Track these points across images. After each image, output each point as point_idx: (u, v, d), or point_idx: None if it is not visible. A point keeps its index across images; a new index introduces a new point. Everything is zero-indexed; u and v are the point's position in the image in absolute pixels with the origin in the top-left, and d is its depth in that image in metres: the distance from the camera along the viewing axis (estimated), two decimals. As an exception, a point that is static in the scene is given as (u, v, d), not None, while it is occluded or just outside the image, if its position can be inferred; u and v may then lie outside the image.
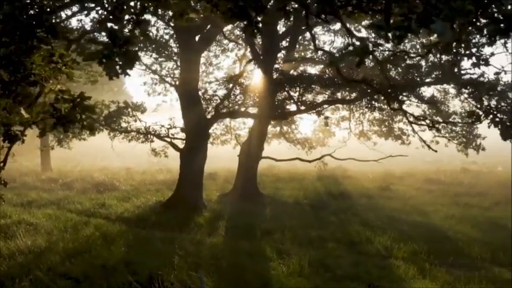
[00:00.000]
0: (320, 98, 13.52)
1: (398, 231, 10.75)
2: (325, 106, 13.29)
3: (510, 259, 8.74)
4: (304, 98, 12.35)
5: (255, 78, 17.30)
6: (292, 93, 12.23)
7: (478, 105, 5.75)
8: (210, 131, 21.38)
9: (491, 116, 5.36)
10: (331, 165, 21.81)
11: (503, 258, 8.82)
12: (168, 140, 13.99)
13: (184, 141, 13.90)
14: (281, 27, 16.33)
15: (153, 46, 14.13)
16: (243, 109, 15.98)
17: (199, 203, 13.57)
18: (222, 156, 25.83)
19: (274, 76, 14.08)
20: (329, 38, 25.82)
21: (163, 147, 15.66)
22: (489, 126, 5.65)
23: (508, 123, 5.25)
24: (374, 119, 19.39)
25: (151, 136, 14.39)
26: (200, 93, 16.07)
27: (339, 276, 7.52)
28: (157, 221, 11.91)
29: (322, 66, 14.85)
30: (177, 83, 14.28)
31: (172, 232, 10.58)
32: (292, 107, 13.44)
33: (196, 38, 13.33)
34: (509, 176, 20.31)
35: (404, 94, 11.23)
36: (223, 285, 6.82)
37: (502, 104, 6.27)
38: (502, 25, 2.74)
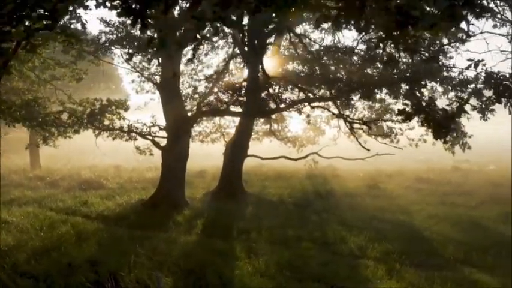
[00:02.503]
0: (302, 96, 13.41)
1: (376, 231, 10.66)
2: (306, 104, 13.22)
3: (483, 260, 8.64)
4: (284, 96, 12.27)
5: (242, 75, 17.24)
6: (271, 91, 12.15)
7: (410, 103, 5.62)
8: (200, 129, 21.48)
9: (423, 114, 5.24)
10: (322, 164, 21.72)
11: (476, 259, 8.72)
12: (150, 138, 13.90)
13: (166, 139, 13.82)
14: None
15: (136, 44, 14.01)
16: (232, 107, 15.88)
17: (181, 201, 13.52)
18: (215, 154, 25.79)
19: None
20: (319, 36, 25.67)
21: (148, 145, 15.57)
22: (422, 125, 5.54)
23: (441, 122, 5.13)
24: (364, 118, 19.23)
25: (135, 134, 14.31)
26: (185, 91, 16.02)
27: (305, 276, 7.44)
28: (136, 220, 11.86)
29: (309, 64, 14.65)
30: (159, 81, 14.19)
31: (150, 231, 10.52)
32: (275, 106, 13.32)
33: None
34: (500, 175, 20.20)
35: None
36: (182, 285, 6.75)
37: (434, 102, 6.18)
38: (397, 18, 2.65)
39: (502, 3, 13.81)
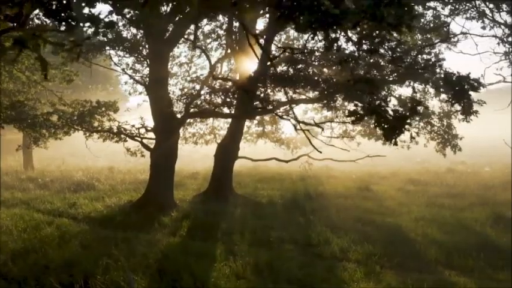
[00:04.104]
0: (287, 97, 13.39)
1: (361, 233, 10.60)
2: (293, 105, 13.19)
3: (464, 262, 8.58)
4: (270, 98, 12.24)
5: (234, 77, 17.24)
6: (258, 93, 12.13)
7: (360, 104, 5.58)
8: (194, 130, 21.50)
9: (375, 115, 5.19)
10: (318, 165, 21.72)
11: (458, 261, 8.65)
12: (139, 139, 13.89)
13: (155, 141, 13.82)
14: (260, 26, 16.25)
15: (125, 45, 14.03)
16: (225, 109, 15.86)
17: (169, 202, 13.49)
18: (211, 156, 25.78)
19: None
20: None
21: (138, 147, 15.55)
22: (375, 127, 5.49)
23: (392, 124, 5.08)
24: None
25: (124, 136, 14.29)
26: (177, 92, 15.96)
27: (281, 278, 7.40)
28: (122, 221, 11.83)
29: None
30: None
31: (134, 232, 10.51)
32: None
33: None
34: (493, 177, 20.11)
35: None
36: (155, 287, 6.74)
37: (386, 103, 6.09)
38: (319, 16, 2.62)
39: (491, 5, 13.82)
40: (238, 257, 8.29)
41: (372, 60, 10.06)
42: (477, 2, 13.34)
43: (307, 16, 2.83)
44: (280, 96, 12.74)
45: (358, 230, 10.95)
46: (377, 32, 4.07)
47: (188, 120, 19.28)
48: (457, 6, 13.65)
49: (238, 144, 16.17)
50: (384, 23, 2.89)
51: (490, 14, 14.18)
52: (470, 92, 7.86)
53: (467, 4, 13.74)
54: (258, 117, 19.70)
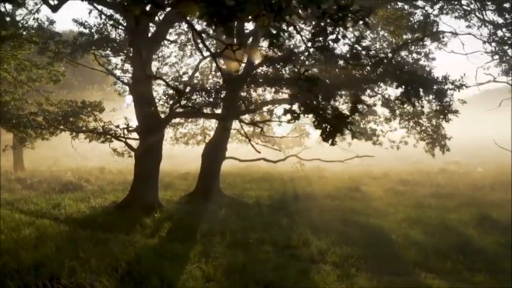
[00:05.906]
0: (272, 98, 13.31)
1: (343, 234, 10.48)
2: (276, 105, 13.11)
3: (442, 264, 8.46)
4: (252, 97, 12.14)
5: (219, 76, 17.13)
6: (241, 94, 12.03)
7: (300, 103, 5.41)
8: (185, 130, 21.43)
9: (313, 114, 5.05)
10: (310, 165, 21.64)
11: (436, 263, 8.53)
12: (123, 140, 13.80)
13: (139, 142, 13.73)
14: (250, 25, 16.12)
15: (110, 45, 13.96)
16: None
17: (154, 203, 13.40)
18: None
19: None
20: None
21: (125, 147, 15.45)
22: (315, 127, 5.36)
23: (332, 123, 4.95)
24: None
25: (109, 136, 14.20)
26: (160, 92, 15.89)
27: (253, 281, 7.27)
28: (104, 222, 11.74)
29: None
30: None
31: (114, 233, 10.41)
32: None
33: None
34: (484, 177, 19.96)
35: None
36: (120, 289, 6.64)
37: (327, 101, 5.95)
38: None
39: (479, 4, 13.68)
40: (213, 259, 8.20)
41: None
42: (464, 2, 13.20)
43: (204, 8, 2.72)
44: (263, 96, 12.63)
45: (340, 231, 10.83)
46: (331, 28, 3.96)
47: (179, 121, 19.24)
48: (444, 6, 13.50)
49: (226, 144, 16.09)
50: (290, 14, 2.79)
51: (480, 15, 14.06)
52: (452, 92, 7.72)
53: (455, 2, 13.60)
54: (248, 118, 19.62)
